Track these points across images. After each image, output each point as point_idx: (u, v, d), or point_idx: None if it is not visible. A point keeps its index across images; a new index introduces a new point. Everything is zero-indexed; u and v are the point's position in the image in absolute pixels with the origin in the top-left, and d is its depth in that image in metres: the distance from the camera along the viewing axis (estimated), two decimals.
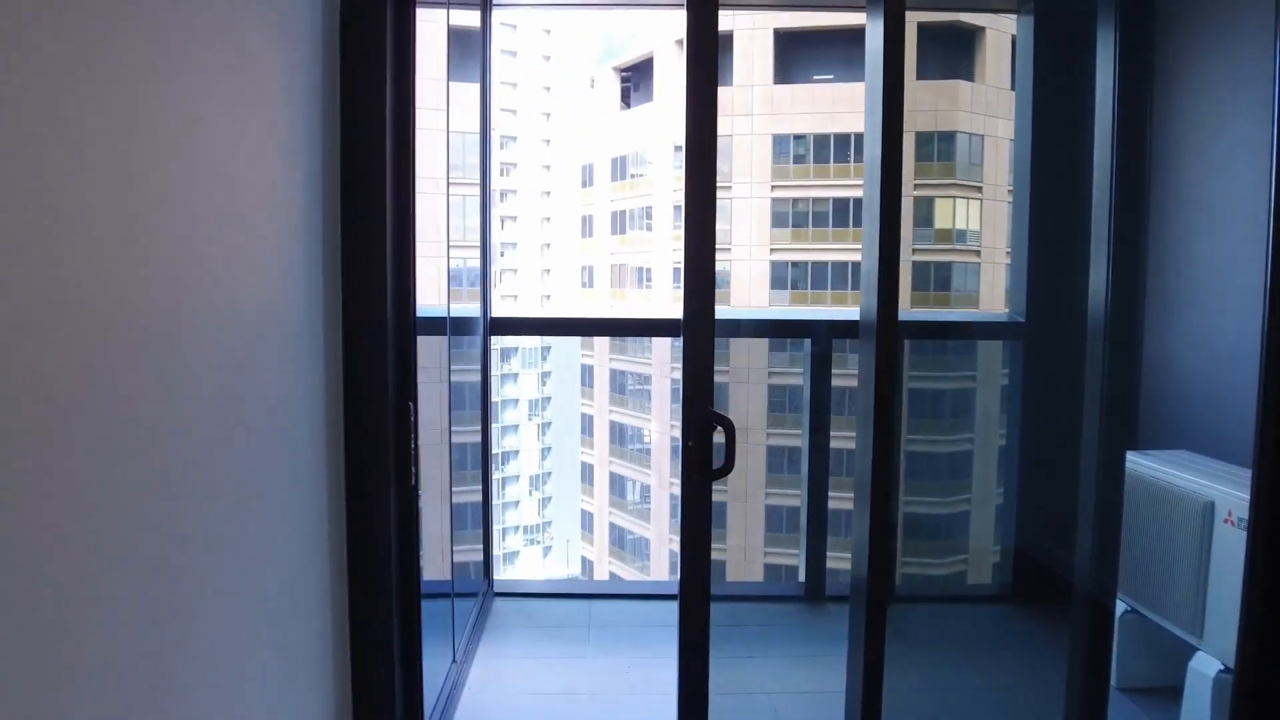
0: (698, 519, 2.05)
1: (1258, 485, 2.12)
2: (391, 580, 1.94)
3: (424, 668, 2.35)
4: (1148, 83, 3.42)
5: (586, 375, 24.07)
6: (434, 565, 2.80)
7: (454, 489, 3.16)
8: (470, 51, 3.71)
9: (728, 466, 2.05)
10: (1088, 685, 2.66)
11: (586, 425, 24.09)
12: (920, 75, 16.15)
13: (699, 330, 2.04)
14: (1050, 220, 3.67)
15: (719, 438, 2.12)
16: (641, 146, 23.76)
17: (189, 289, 1.30)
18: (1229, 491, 2.75)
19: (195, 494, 1.34)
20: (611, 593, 4.07)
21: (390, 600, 1.94)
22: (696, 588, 2.08)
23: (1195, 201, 3.30)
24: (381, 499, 1.91)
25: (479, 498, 3.85)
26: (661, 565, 16.18)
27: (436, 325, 2.86)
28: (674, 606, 3.77)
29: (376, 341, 1.90)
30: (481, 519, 3.84)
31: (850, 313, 3.71)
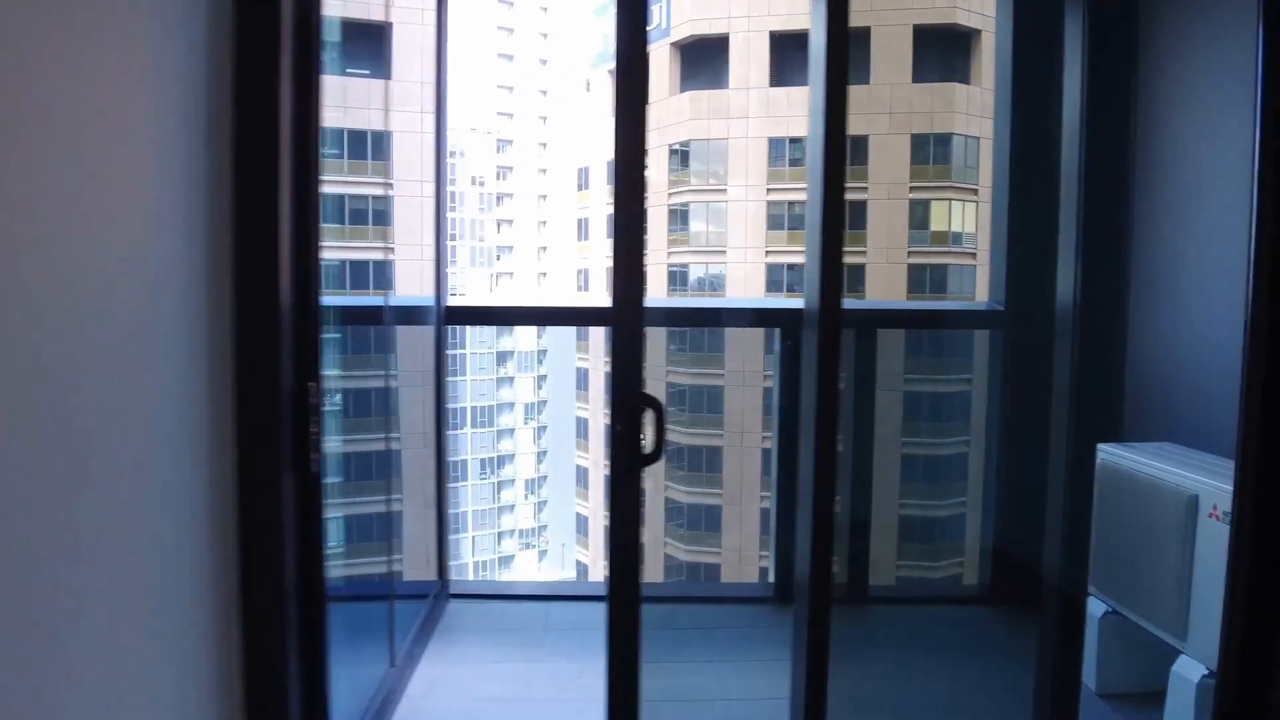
0: (627, 510, 1.89)
1: (1241, 477, 1.99)
2: (284, 576, 1.78)
3: (351, 673, 2.19)
4: (1130, 69, 3.32)
5: (582, 379, 23.93)
6: (366, 564, 2.66)
7: (398, 491, 3.02)
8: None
9: (657, 452, 1.89)
10: (1057, 687, 2.50)
11: (582, 428, 23.94)
12: (917, 78, 16.10)
13: (628, 311, 1.91)
14: (1025, 207, 3.57)
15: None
16: None
17: (34, 278, 1.18)
18: (1214, 484, 2.59)
19: (46, 494, 1.21)
20: (570, 594, 3.91)
21: (281, 598, 1.77)
22: (626, 586, 1.91)
23: (1180, 190, 3.20)
24: (271, 488, 1.76)
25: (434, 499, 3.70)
26: (656, 569, 16.05)
27: (369, 313, 2.71)
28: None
29: (269, 324, 1.76)
30: (436, 520, 3.68)
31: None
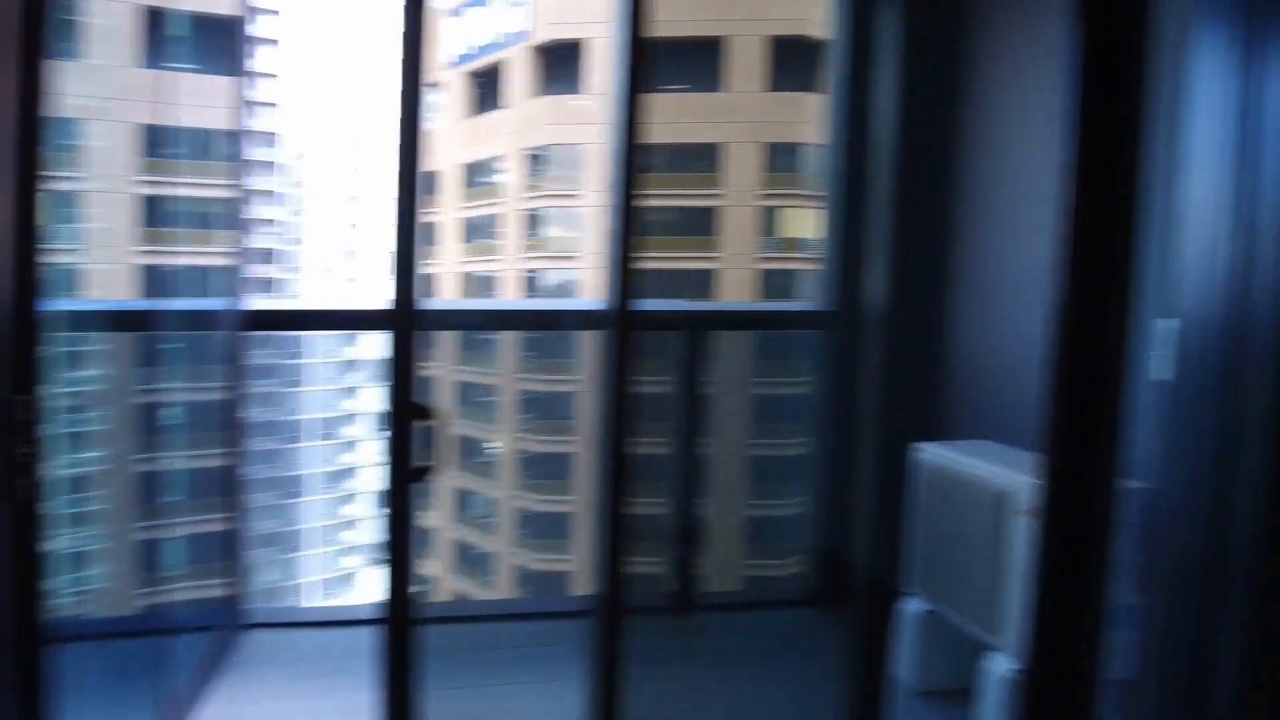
0: (398, 527, 1.71)
1: (1045, 475, 1.98)
2: None
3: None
4: (951, 74, 3.37)
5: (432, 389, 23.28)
6: (131, 596, 2.37)
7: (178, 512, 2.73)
8: (224, 40, 3.36)
9: (433, 465, 1.72)
10: (865, 688, 2.46)
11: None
12: (773, 87, 16.41)
13: (401, 316, 1.75)
14: (849, 211, 3.59)
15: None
16: (490, 154, 23.23)
17: None
18: (1026, 481, 2.61)
19: None
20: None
21: None
22: (398, 609, 1.72)
23: (999, 192, 3.26)
24: None
25: (225, 524, 3.37)
26: (506, 580, 15.77)
27: (127, 319, 2.42)
28: (452, 629, 3.40)
29: None
30: (230, 546, 3.36)
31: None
